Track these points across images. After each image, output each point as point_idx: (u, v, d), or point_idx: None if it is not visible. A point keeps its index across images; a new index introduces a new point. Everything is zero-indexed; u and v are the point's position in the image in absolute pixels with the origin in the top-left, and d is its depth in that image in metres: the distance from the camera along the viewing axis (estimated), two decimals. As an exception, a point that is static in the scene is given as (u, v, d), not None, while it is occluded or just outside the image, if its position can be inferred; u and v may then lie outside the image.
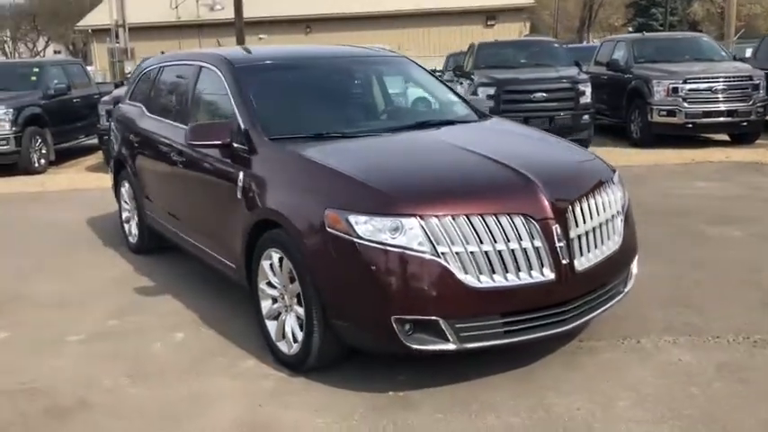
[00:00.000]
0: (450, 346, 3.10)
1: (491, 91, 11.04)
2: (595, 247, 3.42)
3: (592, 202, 3.45)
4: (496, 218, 3.12)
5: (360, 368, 3.50)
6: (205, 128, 4.03)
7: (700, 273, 4.83)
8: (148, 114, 5.40)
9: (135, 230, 5.73)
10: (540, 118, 10.37)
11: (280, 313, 3.60)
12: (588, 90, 10.70)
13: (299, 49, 5.55)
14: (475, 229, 3.09)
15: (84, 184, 9.57)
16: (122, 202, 5.95)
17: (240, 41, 22.22)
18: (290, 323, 3.51)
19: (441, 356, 3.35)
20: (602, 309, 3.53)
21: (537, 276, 3.16)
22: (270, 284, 3.63)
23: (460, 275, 3.04)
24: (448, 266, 3.03)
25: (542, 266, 3.17)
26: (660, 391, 3.24)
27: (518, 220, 3.14)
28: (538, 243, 3.16)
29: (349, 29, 29.03)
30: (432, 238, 3.04)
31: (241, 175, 3.81)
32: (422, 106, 4.97)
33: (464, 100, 4.81)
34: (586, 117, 10.64)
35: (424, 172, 3.53)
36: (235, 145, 3.91)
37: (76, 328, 4.22)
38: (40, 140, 10.75)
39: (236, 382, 3.48)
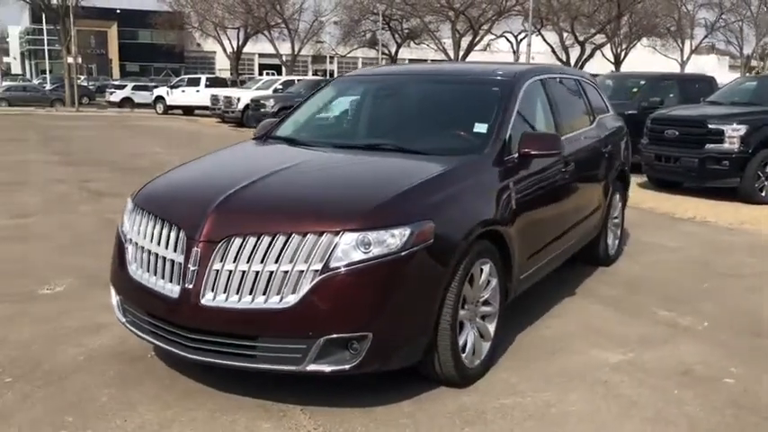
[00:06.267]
0: (122, 319, 3.60)
1: None
2: (250, 293, 3.03)
3: (269, 245, 3.03)
4: (164, 224, 3.34)
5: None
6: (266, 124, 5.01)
7: None
8: None
9: None
10: None
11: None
12: None
13: (408, 67, 5.43)
14: (150, 229, 3.42)
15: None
16: None
17: None
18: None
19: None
20: (238, 363, 3.13)
21: (164, 287, 3.24)
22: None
23: (128, 261, 3.49)
24: (125, 252, 3.53)
25: (170, 281, 3.22)
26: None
27: (176, 232, 3.25)
28: (179, 259, 3.21)
29: None
30: (130, 227, 3.58)
31: None
32: (425, 132, 4.30)
33: (492, 138, 4.00)
34: None
35: (209, 177, 3.87)
36: None
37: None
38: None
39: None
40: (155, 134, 20.42)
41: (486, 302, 3.68)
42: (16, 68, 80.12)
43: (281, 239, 3.03)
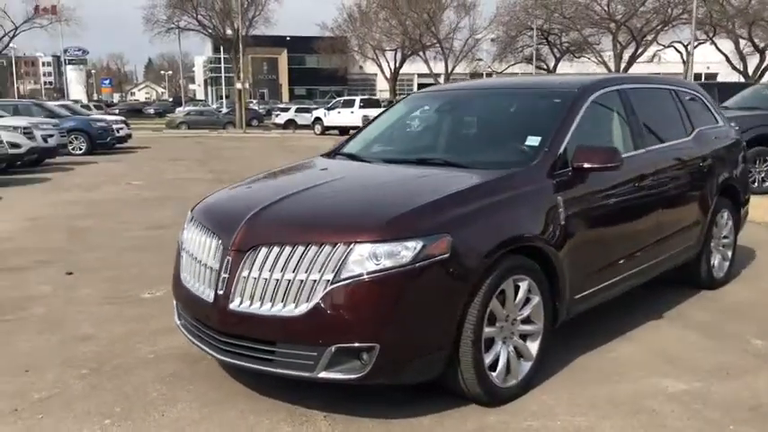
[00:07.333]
0: (178, 323, 3.89)
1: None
2: (270, 300, 3.18)
3: (289, 254, 3.16)
4: (208, 234, 3.59)
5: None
6: (340, 141, 5.19)
7: None
8: None
9: None
10: None
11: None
12: None
13: (481, 81, 5.25)
14: (199, 238, 3.69)
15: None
16: None
17: None
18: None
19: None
20: (259, 367, 3.26)
21: (203, 293, 3.48)
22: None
23: (181, 268, 3.78)
24: (180, 259, 3.83)
25: (208, 286, 3.45)
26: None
27: (217, 242, 3.49)
28: (216, 266, 3.44)
29: None
30: (186, 236, 3.87)
31: None
32: (477, 146, 4.16)
33: (543, 152, 3.85)
34: None
35: (255, 191, 4.06)
36: None
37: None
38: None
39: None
40: (305, 153, 21.37)
41: (527, 321, 3.56)
42: (200, 94, 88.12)
43: (299, 249, 3.15)
